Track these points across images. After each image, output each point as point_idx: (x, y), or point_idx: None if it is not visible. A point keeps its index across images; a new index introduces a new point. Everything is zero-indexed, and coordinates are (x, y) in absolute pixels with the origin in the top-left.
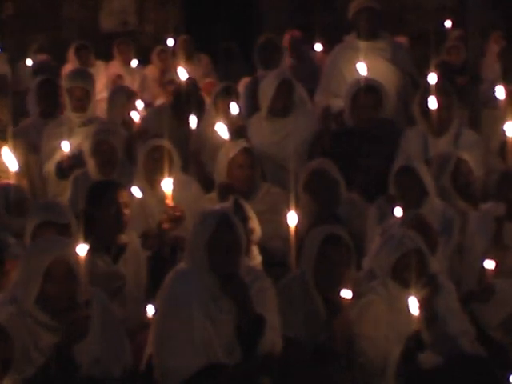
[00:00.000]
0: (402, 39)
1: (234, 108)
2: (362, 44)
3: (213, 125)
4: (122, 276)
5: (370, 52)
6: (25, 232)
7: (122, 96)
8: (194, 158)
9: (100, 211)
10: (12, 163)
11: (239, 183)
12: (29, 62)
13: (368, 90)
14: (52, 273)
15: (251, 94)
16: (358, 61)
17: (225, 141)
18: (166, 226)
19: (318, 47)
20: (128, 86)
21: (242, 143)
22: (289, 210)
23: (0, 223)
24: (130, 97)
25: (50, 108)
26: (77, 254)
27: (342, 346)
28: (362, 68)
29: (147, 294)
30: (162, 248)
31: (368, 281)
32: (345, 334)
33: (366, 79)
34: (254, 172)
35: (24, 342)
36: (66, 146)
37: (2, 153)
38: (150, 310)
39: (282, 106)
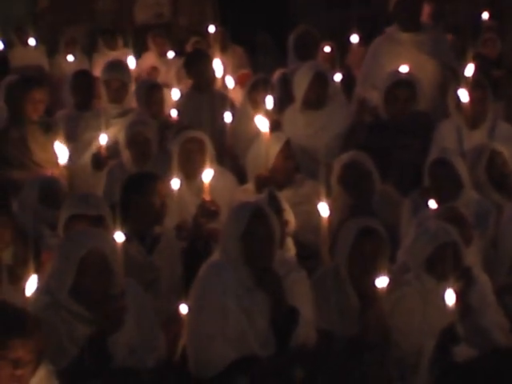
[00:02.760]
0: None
1: (269, 102)
2: (404, 36)
3: (246, 117)
4: (156, 267)
5: (411, 45)
6: (59, 225)
7: (146, 88)
8: (229, 149)
9: (138, 202)
10: (62, 156)
11: (282, 175)
12: (70, 57)
13: (402, 84)
14: (86, 264)
15: (285, 85)
16: (399, 53)
17: (262, 133)
18: (201, 219)
19: (355, 38)
20: (152, 79)
21: (285, 136)
22: (320, 204)
23: (35, 215)
24: (156, 89)
25: (85, 99)
26: (111, 245)
27: (375, 338)
28: (403, 63)
29: (181, 285)
30: (197, 240)
31: (402, 273)
32: (378, 327)
33: (402, 73)
34: (293, 163)
35: (58, 333)
36: (103, 139)
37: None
38: (184, 308)
39: (316, 99)
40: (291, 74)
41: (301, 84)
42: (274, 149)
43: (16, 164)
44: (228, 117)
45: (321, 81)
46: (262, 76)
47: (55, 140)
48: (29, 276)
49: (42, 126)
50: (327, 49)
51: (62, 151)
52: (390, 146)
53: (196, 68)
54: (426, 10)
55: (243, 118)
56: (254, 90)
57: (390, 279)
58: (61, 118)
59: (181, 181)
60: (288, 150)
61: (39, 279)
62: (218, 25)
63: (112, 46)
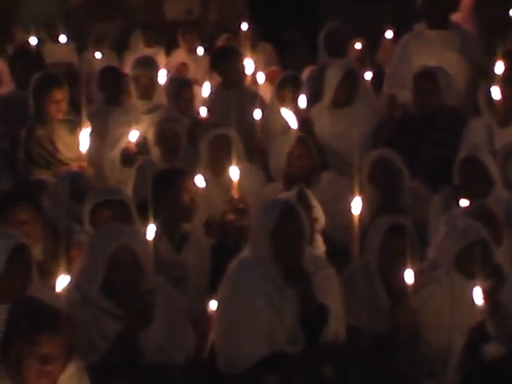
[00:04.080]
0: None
1: (302, 99)
2: (432, 33)
3: (276, 114)
4: (184, 264)
5: (440, 42)
6: (83, 218)
7: (177, 85)
8: (259, 146)
9: (169, 199)
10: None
11: (298, 173)
12: (98, 54)
13: (424, 75)
14: (116, 260)
15: (314, 82)
16: (427, 51)
17: (291, 129)
18: (229, 217)
19: (389, 34)
20: (183, 75)
21: (297, 133)
22: (352, 199)
23: (65, 210)
24: (187, 85)
25: (114, 95)
26: (141, 241)
27: (405, 335)
28: (431, 60)
29: (210, 282)
30: (225, 237)
31: (431, 271)
32: (408, 324)
33: (425, 65)
34: (311, 161)
35: (88, 329)
36: (133, 135)
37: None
38: (212, 305)
39: (346, 97)
40: (321, 71)
41: (331, 82)
42: (285, 148)
43: (42, 162)
44: (257, 114)
45: (351, 79)
46: (291, 73)
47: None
48: (59, 272)
49: (67, 125)
50: (358, 46)
51: (86, 145)
52: (420, 141)
53: (225, 65)
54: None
55: (272, 115)
56: (283, 87)
57: (419, 276)
58: (90, 114)
59: (209, 178)
60: (300, 148)
61: (69, 275)
62: (248, 21)
63: (150, 44)
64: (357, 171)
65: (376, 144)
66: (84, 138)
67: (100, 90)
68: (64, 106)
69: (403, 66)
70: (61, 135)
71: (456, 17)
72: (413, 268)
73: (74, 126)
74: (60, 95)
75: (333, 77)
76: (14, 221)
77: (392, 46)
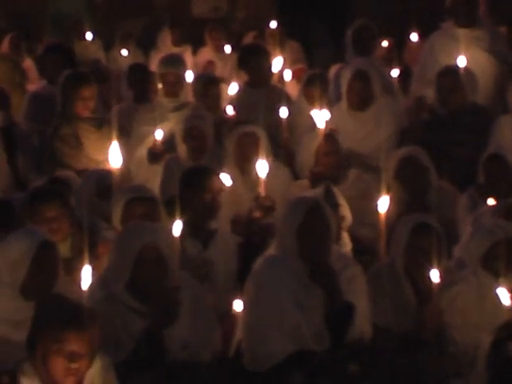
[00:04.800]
0: (502, 28)
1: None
2: (460, 32)
3: (302, 111)
4: (211, 262)
5: (468, 40)
6: (113, 215)
7: (204, 82)
8: (284, 143)
9: (193, 197)
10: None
11: (325, 170)
12: (124, 52)
13: (446, 72)
14: (142, 258)
15: (340, 81)
16: (455, 49)
17: (317, 128)
18: (256, 214)
19: (414, 37)
20: (210, 73)
21: (325, 130)
22: (379, 197)
23: (92, 208)
24: (214, 83)
25: (143, 93)
26: (167, 239)
27: (431, 335)
28: (460, 59)
29: (236, 280)
30: (252, 235)
31: (458, 270)
32: (435, 323)
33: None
34: (338, 158)
35: (114, 326)
36: (159, 134)
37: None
38: (238, 303)
39: (359, 99)
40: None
41: (343, 83)
42: (313, 145)
43: (67, 160)
44: (284, 111)
45: (361, 79)
46: (318, 71)
47: (107, 137)
48: (85, 268)
49: (93, 123)
50: (385, 44)
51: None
52: (447, 142)
53: (252, 63)
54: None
55: (298, 113)
56: (310, 85)
57: (446, 275)
58: (117, 111)
59: (236, 175)
60: (328, 145)
61: (95, 272)
62: (276, 19)
63: (177, 42)
64: (383, 170)
65: (403, 144)
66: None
67: (129, 88)
68: (91, 104)
69: (431, 65)
70: (87, 133)
71: None
72: (439, 267)
73: (100, 124)
74: (88, 93)
75: (344, 79)
76: (42, 218)
77: (418, 45)
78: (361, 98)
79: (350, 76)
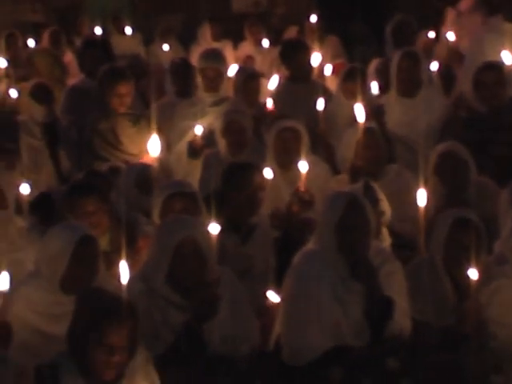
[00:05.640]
0: None
1: (374, 87)
2: (507, 26)
3: (341, 106)
4: (250, 257)
5: None
6: (153, 209)
7: (244, 77)
8: (323, 138)
9: (235, 192)
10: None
11: (366, 164)
12: (165, 46)
13: (488, 67)
14: (181, 252)
15: (381, 75)
16: (502, 44)
17: (357, 122)
18: (295, 208)
19: (451, 36)
20: (252, 67)
21: (365, 124)
22: (418, 192)
23: (132, 202)
24: (254, 78)
25: (185, 88)
26: (206, 233)
27: (472, 329)
28: (505, 55)
29: (274, 274)
30: (290, 229)
31: (499, 265)
32: (475, 318)
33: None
34: (378, 153)
35: (154, 320)
36: (199, 129)
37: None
38: (272, 295)
39: (409, 79)
40: (388, 62)
41: (394, 66)
42: (353, 139)
43: (104, 155)
44: (320, 104)
45: (411, 59)
46: (356, 65)
47: (145, 132)
48: (122, 263)
49: (130, 118)
50: (432, 34)
51: (154, 144)
52: (486, 140)
53: (294, 58)
54: None
55: (337, 108)
56: (348, 79)
57: (487, 270)
58: (159, 106)
59: (276, 170)
60: (369, 139)
61: (135, 266)
62: (316, 14)
63: (217, 37)
64: (422, 161)
65: (443, 140)
66: (153, 139)
67: (171, 83)
68: (128, 100)
69: (477, 61)
70: (124, 128)
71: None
72: (478, 262)
73: (137, 120)
74: (124, 89)
75: (394, 62)
76: (82, 212)
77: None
78: (410, 78)
79: (399, 57)
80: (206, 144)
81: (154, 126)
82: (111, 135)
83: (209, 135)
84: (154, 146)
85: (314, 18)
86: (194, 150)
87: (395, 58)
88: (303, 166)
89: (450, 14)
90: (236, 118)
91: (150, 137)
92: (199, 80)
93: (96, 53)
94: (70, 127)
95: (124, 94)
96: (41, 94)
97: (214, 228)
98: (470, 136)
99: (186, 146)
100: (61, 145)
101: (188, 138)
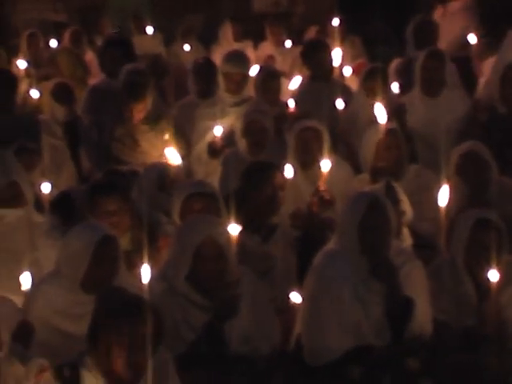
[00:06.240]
0: None
1: (395, 87)
2: None
3: (362, 106)
4: (271, 256)
5: None
6: (173, 210)
7: (265, 77)
8: (343, 138)
9: (255, 192)
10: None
11: (387, 165)
12: (186, 46)
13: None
14: (202, 252)
15: (402, 75)
16: None
17: (378, 123)
18: (315, 208)
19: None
20: (273, 66)
21: (388, 124)
22: (439, 192)
23: (153, 201)
24: (275, 77)
25: (208, 88)
26: (227, 233)
27: (492, 330)
28: None
29: (295, 274)
30: (311, 229)
31: None
32: (495, 319)
33: None
34: (400, 153)
35: (175, 319)
36: (218, 130)
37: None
38: (295, 297)
39: (433, 78)
40: (409, 62)
41: (418, 65)
42: (374, 139)
43: (123, 157)
44: (340, 104)
45: (436, 59)
46: (377, 65)
47: (163, 134)
48: (144, 262)
49: (147, 122)
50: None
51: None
52: (506, 142)
53: (316, 58)
54: None
55: (358, 107)
56: (369, 79)
57: (508, 271)
58: (180, 106)
59: (297, 170)
60: (390, 139)
61: (155, 265)
62: (336, 14)
63: (238, 37)
64: (444, 160)
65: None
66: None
67: (193, 82)
68: (143, 114)
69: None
70: (142, 133)
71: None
72: (499, 262)
73: (155, 123)
74: (142, 106)
75: (419, 60)
76: (102, 211)
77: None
78: (435, 77)
79: (424, 56)
80: (225, 144)
81: (172, 128)
82: (129, 140)
83: (229, 135)
84: (173, 155)
85: (334, 19)
86: (213, 150)
87: (420, 57)
88: (325, 165)
89: (438, 12)
90: (257, 117)
91: (169, 139)
92: (221, 81)
93: (117, 52)
94: (90, 127)
95: (141, 109)
96: (62, 94)
97: (234, 228)
98: (490, 137)
99: (205, 146)
100: (81, 145)
101: (208, 138)
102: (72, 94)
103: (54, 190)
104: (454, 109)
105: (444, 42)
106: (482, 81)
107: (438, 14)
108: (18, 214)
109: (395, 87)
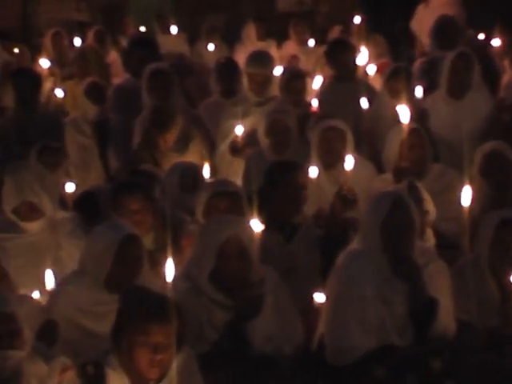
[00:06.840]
0: None
1: (419, 91)
2: None
3: (385, 105)
4: (294, 256)
5: None
6: (197, 208)
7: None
8: (367, 138)
9: (278, 191)
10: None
11: (410, 164)
12: (210, 46)
13: None
14: (225, 251)
15: (425, 75)
16: None
17: (401, 123)
18: (338, 208)
19: (496, 42)
20: (297, 67)
21: (411, 124)
22: (463, 192)
23: (176, 201)
24: (299, 77)
25: (231, 87)
26: (250, 232)
27: None
28: None
29: (318, 273)
30: (334, 228)
31: None
32: None
33: None
34: (423, 153)
35: (198, 318)
36: (239, 130)
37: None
38: (319, 297)
39: (460, 81)
40: (433, 62)
41: (446, 67)
42: (398, 138)
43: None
44: (364, 103)
45: (465, 61)
46: (401, 64)
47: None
48: (168, 261)
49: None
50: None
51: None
52: None
53: (340, 58)
54: None
55: (381, 107)
56: (393, 79)
57: None
58: (204, 106)
59: (320, 170)
60: (414, 139)
61: (179, 265)
62: (360, 13)
63: (262, 37)
64: (467, 162)
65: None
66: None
67: (217, 82)
68: (171, 142)
69: None
70: (169, 159)
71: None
72: None
73: (186, 146)
74: (167, 136)
75: (447, 61)
76: (126, 210)
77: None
78: (462, 79)
79: (453, 58)
80: (247, 143)
81: (204, 145)
82: (152, 161)
83: (251, 134)
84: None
85: (358, 18)
86: (234, 149)
87: (448, 58)
88: (349, 163)
89: (420, 7)
90: (280, 117)
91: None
92: (245, 81)
93: (142, 52)
94: (118, 127)
95: (168, 138)
96: (95, 93)
97: (257, 227)
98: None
99: (228, 146)
100: (110, 145)
101: (230, 138)
102: (104, 93)
103: (80, 188)
104: (478, 111)
105: (424, 37)
106: (504, 80)
107: (420, 8)
108: (39, 225)
109: (419, 91)
